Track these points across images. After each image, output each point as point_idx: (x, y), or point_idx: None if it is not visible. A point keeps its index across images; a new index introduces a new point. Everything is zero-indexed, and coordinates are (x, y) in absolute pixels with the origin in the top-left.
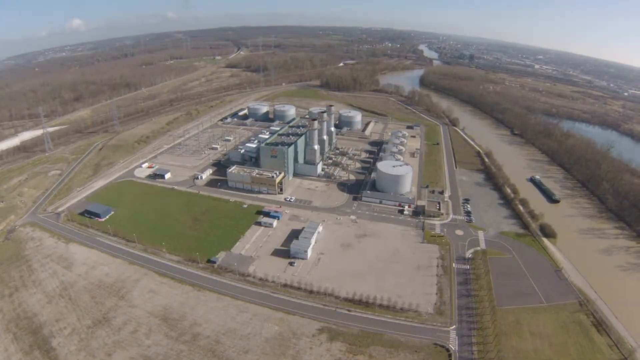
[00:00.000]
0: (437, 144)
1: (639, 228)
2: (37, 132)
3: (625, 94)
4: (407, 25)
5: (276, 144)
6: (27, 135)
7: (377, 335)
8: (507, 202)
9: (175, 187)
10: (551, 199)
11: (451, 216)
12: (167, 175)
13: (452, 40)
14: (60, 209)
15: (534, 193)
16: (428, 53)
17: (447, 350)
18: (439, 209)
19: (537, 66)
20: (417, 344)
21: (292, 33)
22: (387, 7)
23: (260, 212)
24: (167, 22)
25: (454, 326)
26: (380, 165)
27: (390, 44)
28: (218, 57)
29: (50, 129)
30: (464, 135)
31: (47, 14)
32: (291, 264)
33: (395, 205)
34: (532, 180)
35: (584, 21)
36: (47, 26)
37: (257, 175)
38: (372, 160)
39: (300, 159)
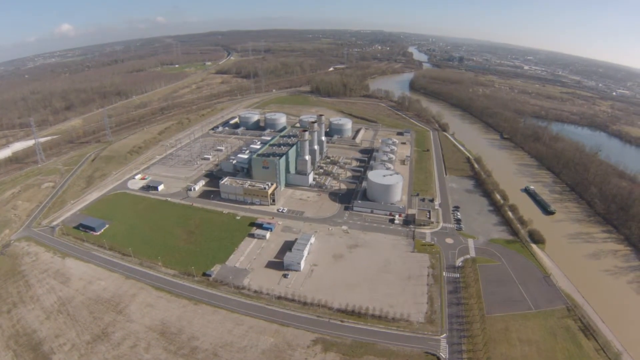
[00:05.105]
0: (427, 150)
1: (626, 231)
2: (29, 143)
3: (614, 93)
4: (396, 27)
5: (268, 155)
6: (18, 146)
7: (370, 345)
8: (497, 208)
9: (169, 199)
10: (546, 210)
11: (441, 224)
12: (161, 187)
13: (442, 42)
14: (54, 223)
15: (528, 204)
16: (418, 56)
17: (438, 358)
18: (429, 218)
19: (526, 67)
20: (409, 353)
21: (282, 37)
22: (377, 8)
23: (254, 224)
24: (157, 26)
25: (444, 334)
26: (371, 174)
27: (380, 47)
28: (208, 63)
29: (42, 139)
30: (453, 141)
31: (36, 19)
32: (285, 275)
33: (386, 215)
34: (527, 191)
35: (574, 21)
36: (35, 32)
37: (250, 187)
38: (362, 168)
39: (292, 169)
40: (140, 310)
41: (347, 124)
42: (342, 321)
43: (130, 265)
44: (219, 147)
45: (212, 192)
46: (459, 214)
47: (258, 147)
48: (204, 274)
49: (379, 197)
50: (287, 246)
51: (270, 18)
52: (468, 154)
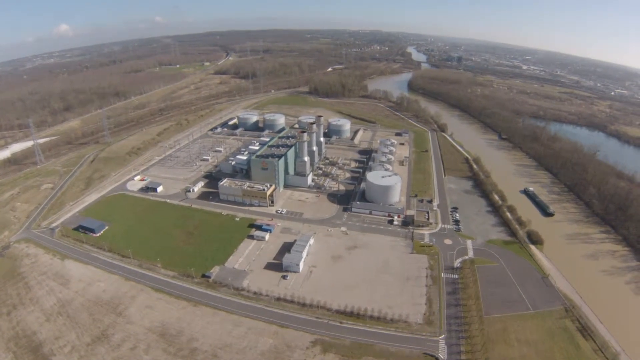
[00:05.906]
0: (426, 151)
1: (625, 232)
2: (28, 144)
3: (612, 93)
4: (395, 26)
5: (266, 156)
6: (17, 147)
7: (369, 346)
8: (495, 209)
9: (168, 201)
10: (545, 212)
11: (440, 225)
12: (159, 189)
13: (440, 42)
14: (54, 224)
15: (527, 206)
16: (416, 56)
17: (437, 359)
18: (428, 219)
19: (524, 67)
20: (408, 354)
21: (281, 37)
22: (376, 8)
23: (253, 225)
24: (156, 26)
25: (443, 335)
26: (370, 175)
27: (378, 47)
28: (207, 63)
29: (41, 140)
30: (452, 142)
31: (34, 19)
32: (284, 277)
33: (384, 216)
34: (526, 192)
35: (573, 21)
36: (34, 32)
37: (249, 188)
38: (361, 169)
39: (291, 171)
40: (139, 311)
41: (346, 125)
42: (341, 322)
43: (129, 267)
44: (217, 148)
45: (211, 194)
46: (457, 214)
47: (257, 148)
48: (203, 276)
49: (378, 198)
50: (286, 247)
51: (269, 18)
52: (467, 155)
